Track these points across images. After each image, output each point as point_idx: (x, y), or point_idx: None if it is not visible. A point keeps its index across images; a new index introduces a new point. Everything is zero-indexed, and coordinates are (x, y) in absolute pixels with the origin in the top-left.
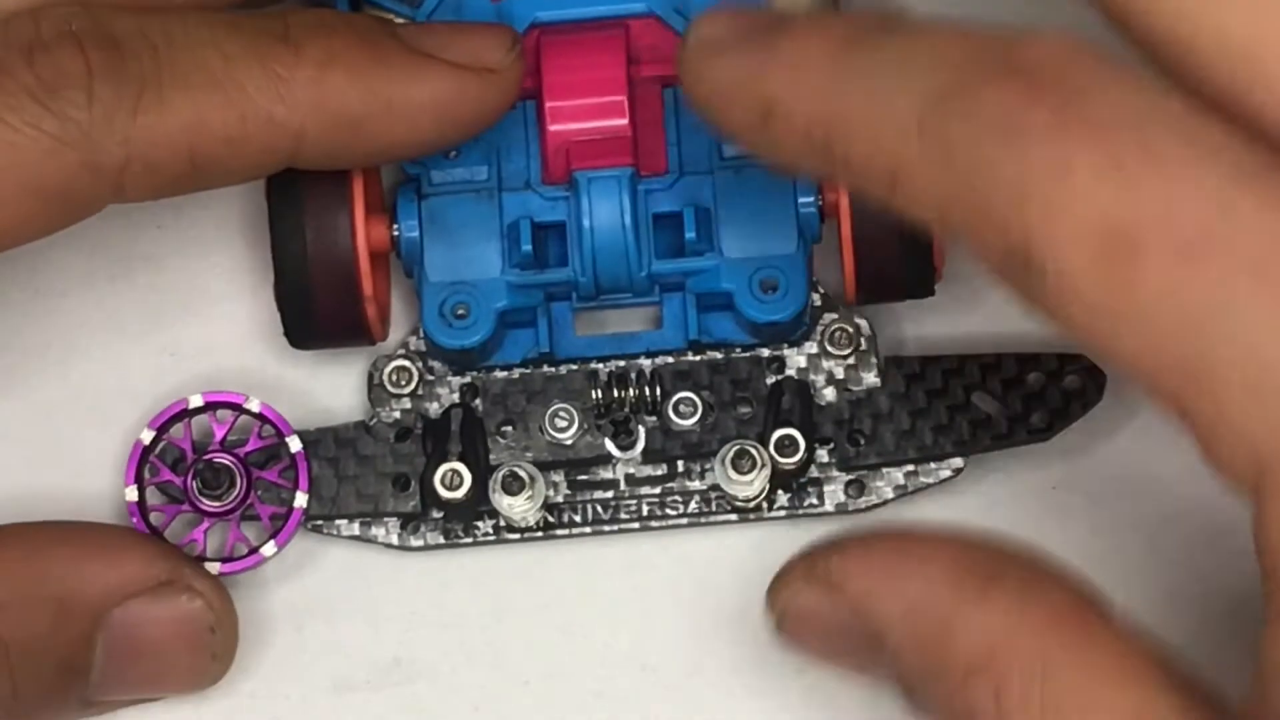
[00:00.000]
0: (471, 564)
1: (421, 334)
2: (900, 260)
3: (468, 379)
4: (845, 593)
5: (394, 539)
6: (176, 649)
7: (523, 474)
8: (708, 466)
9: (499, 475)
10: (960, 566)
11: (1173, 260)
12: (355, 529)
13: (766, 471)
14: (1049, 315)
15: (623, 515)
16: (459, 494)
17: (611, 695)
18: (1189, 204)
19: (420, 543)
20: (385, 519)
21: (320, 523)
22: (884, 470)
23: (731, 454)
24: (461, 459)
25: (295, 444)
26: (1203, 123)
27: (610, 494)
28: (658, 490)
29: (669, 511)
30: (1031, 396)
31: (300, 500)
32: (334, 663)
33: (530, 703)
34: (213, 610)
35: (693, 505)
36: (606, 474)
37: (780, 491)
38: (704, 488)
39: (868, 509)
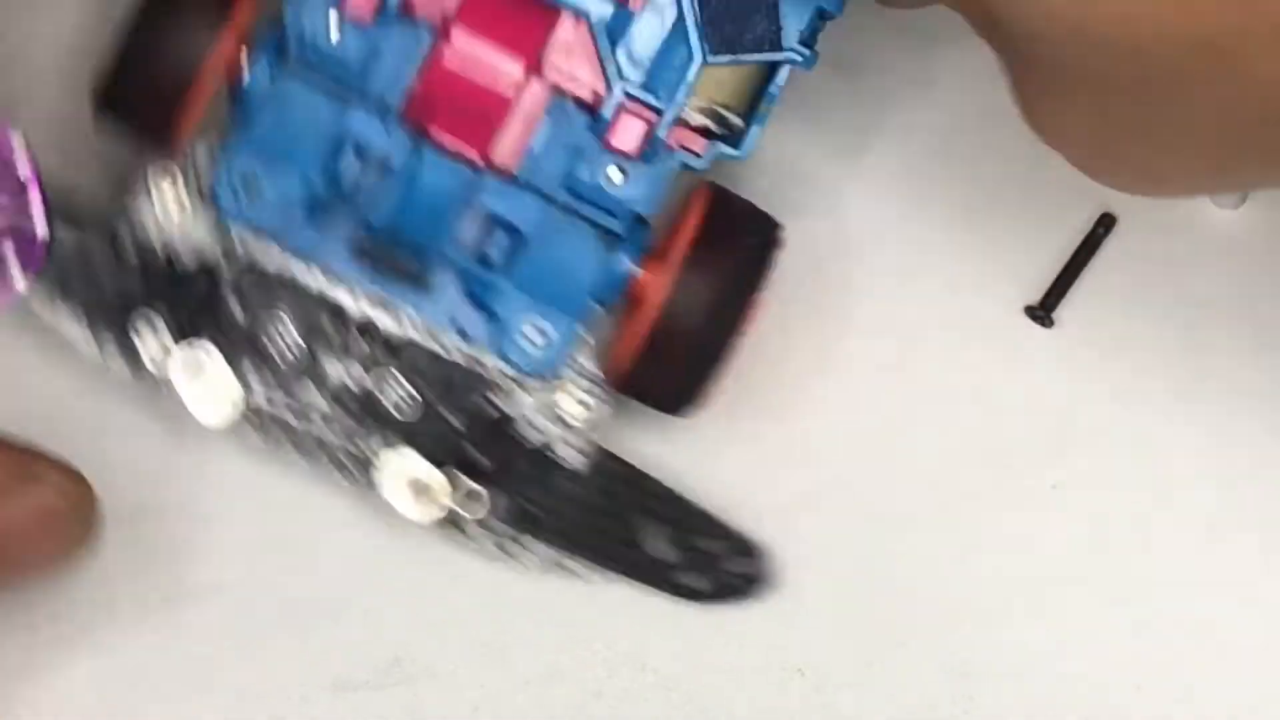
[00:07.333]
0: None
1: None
2: (682, 373)
3: (229, 241)
4: None
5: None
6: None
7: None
8: None
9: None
10: None
11: None
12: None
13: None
14: None
15: None
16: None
17: (611, 695)
18: None
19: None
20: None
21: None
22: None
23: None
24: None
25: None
26: None
27: None
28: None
29: None
30: (703, 561)
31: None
32: (334, 663)
33: (530, 703)
34: (64, 495)
35: None
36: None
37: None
38: None
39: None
